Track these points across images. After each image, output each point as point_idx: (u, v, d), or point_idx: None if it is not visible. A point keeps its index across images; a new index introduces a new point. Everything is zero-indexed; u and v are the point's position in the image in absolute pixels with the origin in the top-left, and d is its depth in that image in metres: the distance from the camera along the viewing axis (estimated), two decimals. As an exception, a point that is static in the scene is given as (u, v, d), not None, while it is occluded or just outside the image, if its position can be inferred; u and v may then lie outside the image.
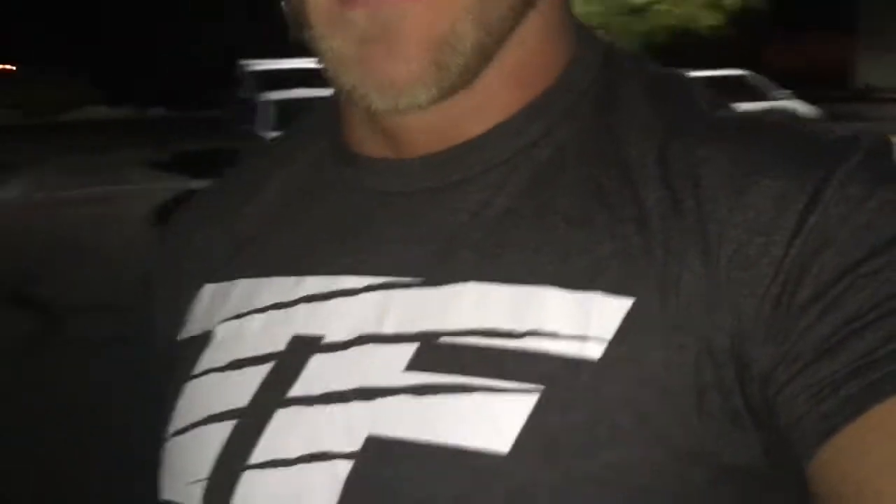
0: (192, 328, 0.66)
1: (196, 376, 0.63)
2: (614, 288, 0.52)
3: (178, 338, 0.67)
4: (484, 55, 0.54)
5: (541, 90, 0.58)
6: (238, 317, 0.63)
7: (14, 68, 29.00)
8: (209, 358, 0.63)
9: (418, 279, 0.56)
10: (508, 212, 0.56)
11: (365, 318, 0.57)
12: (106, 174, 14.11)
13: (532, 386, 0.51)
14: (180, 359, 0.65)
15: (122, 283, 5.39)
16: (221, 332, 0.63)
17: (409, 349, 0.55)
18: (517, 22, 0.56)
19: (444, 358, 0.54)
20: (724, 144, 0.53)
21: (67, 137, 20.24)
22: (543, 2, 0.57)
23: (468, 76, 0.54)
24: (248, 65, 14.96)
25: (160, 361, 0.70)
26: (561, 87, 0.59)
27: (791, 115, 0.57)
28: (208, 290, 0.66)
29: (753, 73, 13.28)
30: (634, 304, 0.51)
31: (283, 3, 0.60)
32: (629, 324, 0.51)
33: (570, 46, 0.60)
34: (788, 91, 13.14)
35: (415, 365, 0.54)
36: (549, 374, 0.51)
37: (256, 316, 0.62)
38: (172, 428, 0.63)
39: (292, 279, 0.61)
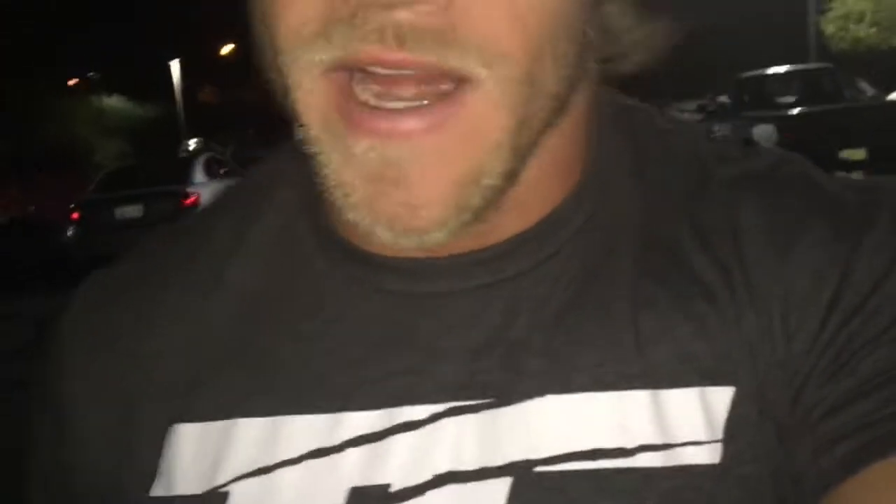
0: (177, 485, 0.52)
1: None
2: (711, 379, 0.48)
3: (152, 494, 0.53)
4: (515, 176, 0.49)
5: (578, 176, 0.54)
6: (261, 471, 0.51)
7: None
8: None
9: (488, 399, 0.49)
10: (569, 306, 0.51)
11: (437, 455, 0.49)
12: None
13: None
14: None
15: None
16: (240, 492, 0.51)
17: (502, 486, 0.48)
18: (552, 126, 0.50)
19: (548, 491, 0.48)
20: (760, 202, 0.51)
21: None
22: (573, 111, 0.52)
23: (495, 201, 0.48)
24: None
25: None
26: (596, 167, 0.54)
27: (801, 166, 0.54)
28: (188, 431, 0.53)
29: None
30: (736, 394, 0.48)
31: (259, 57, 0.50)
32: (735, 416, 0.48)
33: (600, 125, 0.56)
34: None
35: (516, 503, 0.47)
36: (677, 490, 0.47)
37: (290, 469, 0.50)
38: None
39: (326, 417, 0.51)
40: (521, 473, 0.48)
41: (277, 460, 0.51)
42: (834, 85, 12.89)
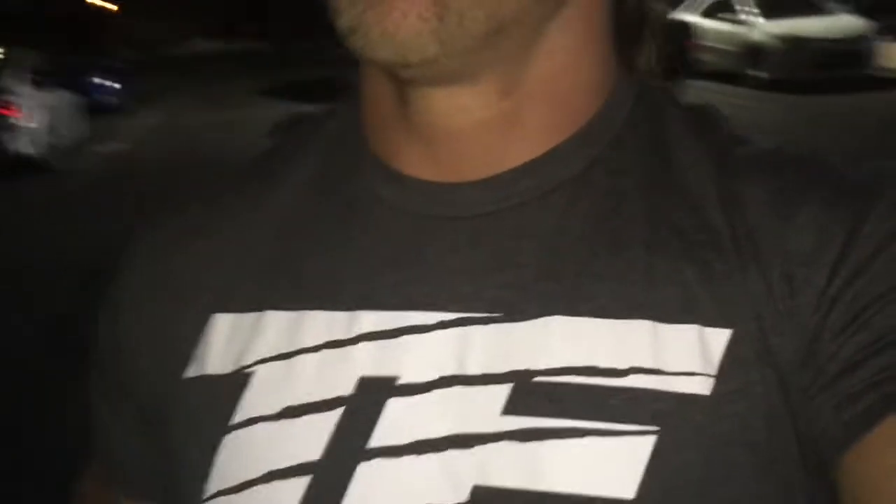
0: (209, 366, 0.57)
1: (239, 426, 0.55)
2: (711, 320, 0.51)
3: (184, 375, 0.58)
4: (494, 23, 0.50)
5: (585, 119, 0.56)
6: (282, 356, 0.55)
7: (115, 7, 29.78)
8: (253, 404, 0.55)
9: (497, 314, 0.52)
10: (583, 239, 0.53)
11: (444, 358, 0.52)
12: (228, 102, 15.77)
13: (648, 427, 0.49)
14: (196, 402, 0.57)
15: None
16: (263, 374, 0.55)
17: (503, 391, 0.51)
18: (539, 22, 0.52)
19: (544, 399, 0.50)
20: (765, 177, 0.54)
21: (183, 70, 22.10)
22: (574, 18, 0.54)
23: (474, 38, 0.49)
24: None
25: (132, 397, 0.62)
26: (606, 116, 0.56)
27: (807, 150, 0.57)
28: (223, 321, 0.58)
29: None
30: (733, 336, 0.50)
31: None
32: (731, 356, 0.50)
33: (610, 75, 0.58)
34: (838, 3, 13.47)
35: (513, 408, 0.51)
36: (663, 414, 0.49)
37: (308, 356, 0.54)
38: (214, 487, 0.55)
39: (344, 314, 0.54)
40: (521, 381, 0.51)
41: (297, 347, 0.55)
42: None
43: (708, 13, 14.60)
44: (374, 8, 0.48)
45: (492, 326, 0.52)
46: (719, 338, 0.50)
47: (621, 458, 0.49)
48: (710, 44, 13.54)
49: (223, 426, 0.55)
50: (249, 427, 0.55)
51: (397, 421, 0.52)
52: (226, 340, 0.57)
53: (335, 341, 0.54)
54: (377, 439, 0.52)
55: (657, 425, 0.49)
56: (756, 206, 0.53)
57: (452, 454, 0.51)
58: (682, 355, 0.50)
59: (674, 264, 0.52)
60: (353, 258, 0.56)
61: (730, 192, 0.53)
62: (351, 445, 0.52)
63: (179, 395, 0.58)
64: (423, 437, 0.51)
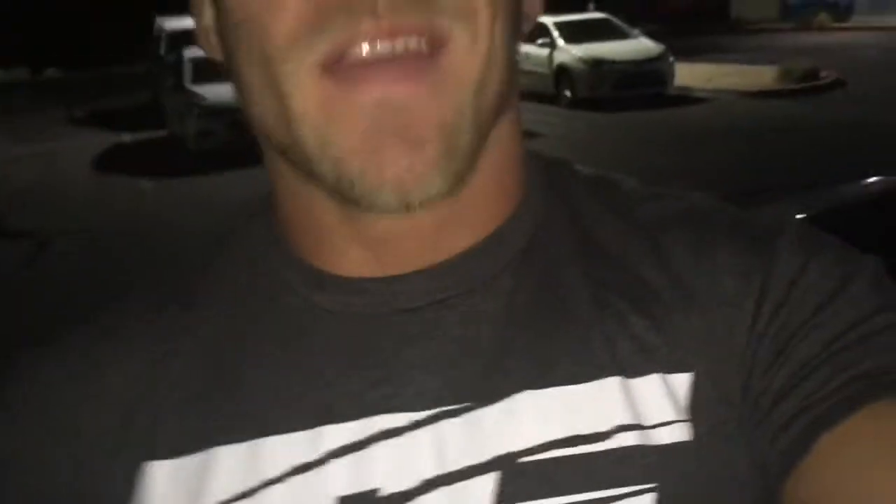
0: None
1: None
2: (671, 366, 0.52)
3: None
4: (480, 143, 0.51)
5: (517, 201, 0.57)
6: (244, 496, 0.51)
7: None
8: None
9: (466, 403, 0.51)
10: (535, 314, 0.53)
11: (422, 459, 0.50)
12: (37, 135, 14.85)
13: (645, 486, 0.49)
14: None
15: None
16: None
17: (490, 481, 0.49)
18: (497, 119, 0.53)
19: (535, 480, 0.49)
20: (681, 230, 0.56)
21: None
22: (510, 108, 0.55)
23: (470, 166, 0.50)
24: (163, 22, 15.08)
25: None
26: (531, 195, 0.58)
27: (713, 201, 0.60)
28: (160, 469, 0.52)
29: (612, 16, 14.76)
30: (693, 379, 0.52)
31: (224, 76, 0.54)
32: (696, 399, 0.51)
33: (527, 156, 0.59)
34: (638, 30, 14.61)
35: (504, 496, 0.49)
36: (655, 468, 0.49)
37: (275, 487, 0.50)
38: None
39: (305, 433, 0.51)
40: (506, 466, 0.49)
41: (260, 481, 0.51)
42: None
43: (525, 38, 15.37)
44: (384, 168, 0.48)
45: (464, 416, 0.50)
46: (682, 382, 0.51)
47: None
48: (527, 67, 14.28)
49: None
50: None
51: None
52: (169, 491, 0.52)
53: (302, 465, 0.51)
54: None
55: (654, 482, 0.49)
56: (678, 256, 0.55)
57: None
58: (656, 406, 0.50)
59: (622, 320, 0.53)
60: (303, 372, 0.53)
61: (651, 246, 0.55)
62: None
63: None
64: None
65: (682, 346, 0.52)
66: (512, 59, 0.52)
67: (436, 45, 0.48)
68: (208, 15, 0.57)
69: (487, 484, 0.49)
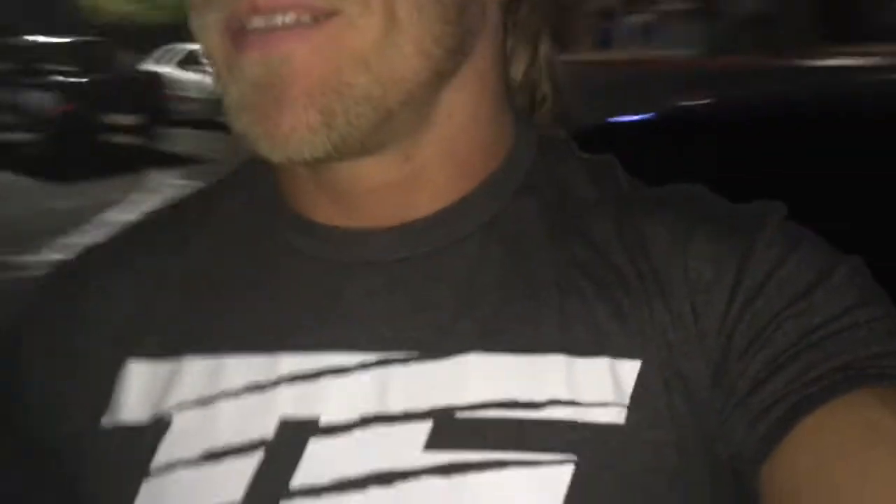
0: (125, 414, 0.57)
1: (158, 471, 0.55)
2: (621, 352, 0.53)
3: (101, 424, 0.58)
4: (383, 112, 0.52)
5: (487, 173, 0.59)
6: (202, 402, 0.56)
7: None
8: (171, 450, 0.55)
9: (415, 353, 0.54)
10: (496, 282, 0.56)
11: (364, 397, 0.53)
12: None
13: (566, 456, 0.51)
14: (113, 450, 0.57)
15: None
16: (182, 420, 0.56)
17: (424, 427, 0.52)
18: (431, 93, 0.54)
19: (466, 433, 0.52)
20: (663, 216, 0.57)
21: None
22: (470, 82, 0.57)
23: (366, 131, 0.52)
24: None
25: (35, 439, 0.60)
26: (509, 167, 0.59)
27: (705, 191, 0.61)
28: (137, 368, 0.58)
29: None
30: (642, 366, 0.53)
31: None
32: (642, 386, 0.52)
33: (510, 128, 0.61)
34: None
35: (435, 443, 0.52)
36: (580, 443, 0.51)
37: (229, 400, 0.55)
38: None
39: (263, 357, 0.55)
40: (442, 417, 0.52)
41: (217, 391, 0.55)
42: (107, 56, 13.59)
43: (182, 64, 15.02)
44: (262, 123, 0.51)
45: (411, 366, 0.53)
46: (630, 369, 0.53)
47: (542, 487, 0.51)
48: (184, 93, 13.89)
49: (142, 472, 0.55)
50: (169, 473, 0.55)
51: (319, 461, 0.53)
52: (143, 387, 0.57)
53: (255, 384, 0.55)
54: (299, 480, 0.52)
55: (574, 454, 0.51)
56: (657, 244, 0.56)
57: (374, 492, 0.51)
58: (596, 387, 0.52)
59: (584, 304, 0.54)
60: (271, 304, 0.57)
61: (632, 233, 0.57)
62: (273, 487, 0.53)
63: (95, 442, 0.58)
64: (345, 476, 0.52)
65: (638, 334, 0.54)
66: (446, 35, 0.53)
67: (327, 18, 0.50)
68: None
69: (420, 430, 0.52)
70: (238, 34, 0.51)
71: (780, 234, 0.56)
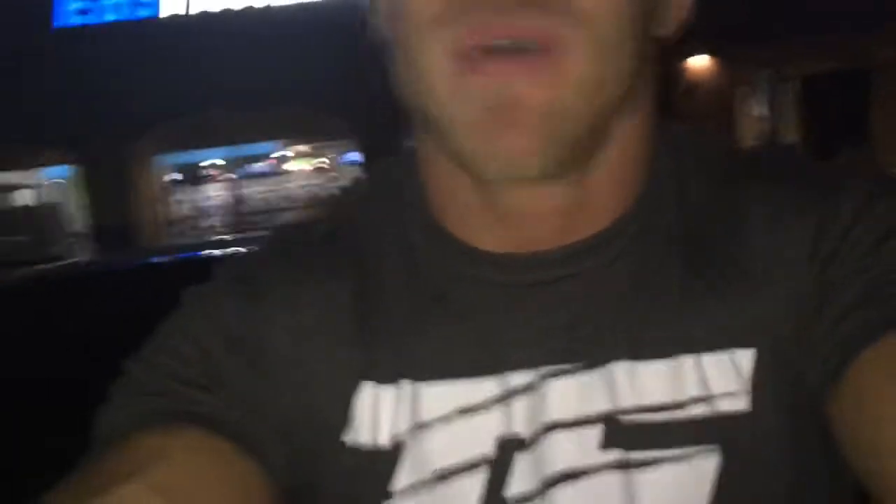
0: (365, 434, 0.64)
1: (399, 494, 0.63)
2: (737, 343, 0.61)
3: (344, 439, 0.64)
4: (592, 139, 0.59)
5: (638, 190, 0.65)
6: (424, 426, 0.63)
7: None
8: (409, 474, 0.63)
9: (579, 364, 0.62)
10: (632, 295, 0.63)
11: (545, 409, 0.61)
12: None
13: (710, 447, 0.60)
14: (355, 468, 0.64)
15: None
16: (414, 444, 0.63)
17: (597, 431, 0.61)
18: (619, 118, 0.60)
19: (629, 435, 0.61)
20: (756, 196, 0.64)
21: None
22: (640, 106, 0.63)
23: (577, 156, 0.58)
24: None
25: (278, 439, 0.65)
26: (652, 184, 0.66)
27: (789, 155, 0.70)
28: (370, 390, 0.64)
29: None
30: (757, 354, 0.61)
31: (393, 75, 0.61)
32: (758, 371, 0.60)
33: (655, 143, 0.66)
34: None
35: (606, 444, 0.61)
36: (719, 432, 0.60)
37: (446, 424, 0.63)
38: None
39: (468, 382, 0.63)
40: (608, 422, 0.61)
41: (436, 416, 0.63)
42: None
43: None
44: (493, 142, 0.56)
45: (578, 375, 0.62)
46: (747, 358, 0.61)
47: (695, 477, 0.60)
48: None
49: (382, 494, 0.63)
50: (411, 495, 0.63)
51: (523, 471, 0.62)
52: (374, 410, 0.64)
53: (466, 407, 0.63)
54: (513, 489, 0.62)
55: (718, 443, 0.60)
56: (753, 228, 0.63)
57: (566, 490, 0.61)
58: (722, 379, 0.60)
59: (703, 305, 0.62)
60: (462, 331, 0.64)
61: (736, 221, 0.64)
62: (496, 499, 0.62)
63: (336, 458, 0.64)
64: (545, 478, 0.61)
65: (749, 324, 0.61)
66: (637, 65, 0.58)
67: (552, 46, 0.55)
68: None
69: (596, 433, 0.61)
70: (463, 56, 0.56)
71: (858, 188, 0.62)
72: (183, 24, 11.75)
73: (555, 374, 0.62)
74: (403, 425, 0.63)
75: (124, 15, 12.21)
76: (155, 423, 0.62)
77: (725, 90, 10.94)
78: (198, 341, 0.66)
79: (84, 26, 12.09)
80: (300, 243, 0.70)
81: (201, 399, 0.63)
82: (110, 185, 11.87)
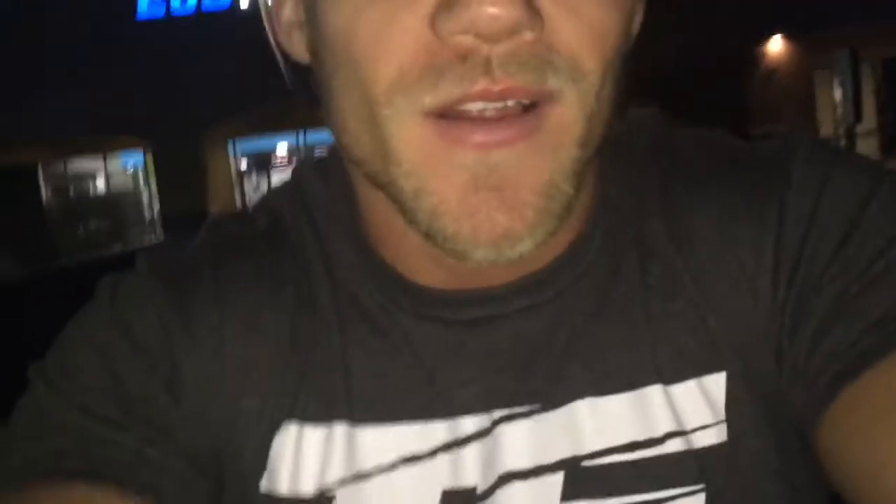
0: (283, 482, 0.56)
1: None
2: (706, 368, 0.55)
3: (262, 485, 0.57)
4: (575, 195, 0.52)
5: (586, 217, 0.59)
6: (362, 477, 0.56)
7: None
8: None
9: (536, 405, 0.56)
10: (595, 317, 0.57)
11: (501, 458, 0.55)
12: None
13: (695, 487, 0.54)
14: None
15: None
16: (346, 497, 0.56)
17: (557, 479, 0.54)
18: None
19: (598, 481, 0.54)
20: (703, 204, 0.58)
21: None
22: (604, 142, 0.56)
23: (565, 217, 0.52)
24: None
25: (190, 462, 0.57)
26: (600, 209, 0.60)
27: (724, 141, 0.62)
28: (294, 431, 0.57)
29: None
30: (728, 376, 0.55)
31: (328, 122, 0.54)
32: (732, 396, 0.55)
33: (605, 158, 0.60)
34: None
35: (570, 495, 0.54)
36: (701, 468, 0.54)
37: (386, 474, 0.56)
38: None
39: (412, 426, 0.56)
40: (571, 468, 0.54)
41: (373, 465, 0.55)
42: None
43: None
44: (481, 223, 0.49)
45: (534, 417, 0.55)
46: (718, 383, 0.55)
47: None
48: None
49: None
50: None
51: None
52: (299, 454, 0.56)
53: (411, 455, 0.56)
54: None
55: (702, 482, 0.54)
56: (703, 239, 0.57)
57: None
58: (694, 411, 0.55)
59: (662, 326, 0.56)
60: (403, 369, 0.57)
61: (680, 231, 0.58)
62: None
63: (244, 491, 0.57)
64: None
65: (714, 344, 0.55)
66: (613, 111, 0.53)
67: (542, 103, 0.49)
68: (290, 7, 0.57)
69: (556, 481, 0.54)
70: (443, 119, 0.48)
71: (808, 178, 0.56)
72: (257, 16, 11.95)
73: (509, 418, 0.55)
74: (335, 474, 0.55)
75: (203, 6, 12.69)
76: (50, 474, 0.53)
77: (804, 74, 10.69)
78: (109, 361, 0.57)
79: (164, 18, 12.52)
80: (237, 245, 0.62)
81: (112, 439, 0.55)
82: (184, 172, 12.17)
